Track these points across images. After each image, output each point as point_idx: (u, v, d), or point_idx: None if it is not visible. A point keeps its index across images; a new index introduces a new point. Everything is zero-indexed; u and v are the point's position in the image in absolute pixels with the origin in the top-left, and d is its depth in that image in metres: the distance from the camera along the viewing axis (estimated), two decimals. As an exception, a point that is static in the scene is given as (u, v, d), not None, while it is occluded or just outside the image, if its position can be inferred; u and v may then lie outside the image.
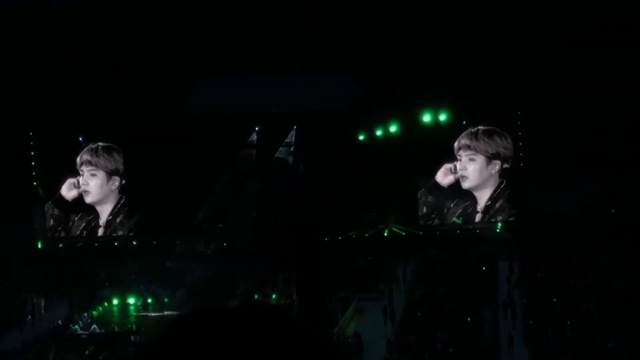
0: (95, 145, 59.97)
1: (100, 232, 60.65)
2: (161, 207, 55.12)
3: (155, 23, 54.89)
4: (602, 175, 53.03)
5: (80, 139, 58.13)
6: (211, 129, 54.27)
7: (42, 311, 52.42)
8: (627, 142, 53.54)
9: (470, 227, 56.52)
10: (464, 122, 55.59)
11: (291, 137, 56.48)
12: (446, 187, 56.87)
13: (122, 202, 60.47)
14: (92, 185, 60.40)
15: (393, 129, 55.88)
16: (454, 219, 57.08)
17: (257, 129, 57.26)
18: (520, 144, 55.58)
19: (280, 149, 57.02)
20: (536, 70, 54.80)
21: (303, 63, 53.67)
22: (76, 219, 60.10)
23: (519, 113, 54.84)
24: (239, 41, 54.52)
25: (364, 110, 55.15)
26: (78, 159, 59.81)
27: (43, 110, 55.30)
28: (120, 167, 60.23)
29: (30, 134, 57.60)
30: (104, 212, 60.45)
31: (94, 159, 60.18)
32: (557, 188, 52.04)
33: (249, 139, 57.76)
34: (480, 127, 57.05)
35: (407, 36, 54.03)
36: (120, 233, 60.55)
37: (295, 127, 56.02)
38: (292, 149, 56.70)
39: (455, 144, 56.89)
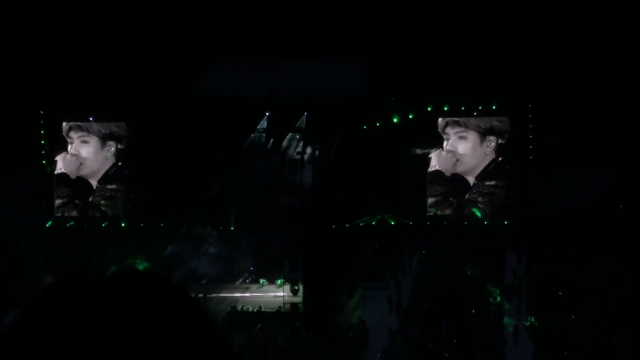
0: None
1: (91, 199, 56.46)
2: (170, 190, 55.03)
3: (167, 7, 54.85)
4: (610, 170, 52.86)
5: (91, 119, 57.53)
6: (222, 113, 54.25)
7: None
8: (636, 136, 53.30)
9: (480, 216, 55.33)
10: (474, 114, 54.70)
11: (301, 123, 56.23)
12: (445, 171, 53.69)
13: (118, 166, 55.03)
14: (84, 153, 55.24)
15: (402, 117, 55.20)
16: (473, 208, 55.09)
17: (267, 114, 57.00)
18: (531, 136, 54.42)
19: (290, 134, 56.72)
20: (547, 63, 54.31)
21: (315, 50, 53.49)
22: (65, 194, 56.64)
23: (529, 106, 54.21)
24: (252, 26, 54.43)
25: (374, 98, 54.89)
26: (64, 124, 55.25)
27: (53, 90, 55.22)
28: (115, 130, 55.45)
29: (41, 112, 57.34)
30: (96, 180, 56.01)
31: (85, 123, 55.24)
32: (564, 181, 51.88)
33: (259, 124, 57.42)
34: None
35: (419, 24, 53.80)
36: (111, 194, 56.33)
37: (305, 113, 55.83)
38: (301, 135, 56.47)
39: (440, 121, 52.98)
